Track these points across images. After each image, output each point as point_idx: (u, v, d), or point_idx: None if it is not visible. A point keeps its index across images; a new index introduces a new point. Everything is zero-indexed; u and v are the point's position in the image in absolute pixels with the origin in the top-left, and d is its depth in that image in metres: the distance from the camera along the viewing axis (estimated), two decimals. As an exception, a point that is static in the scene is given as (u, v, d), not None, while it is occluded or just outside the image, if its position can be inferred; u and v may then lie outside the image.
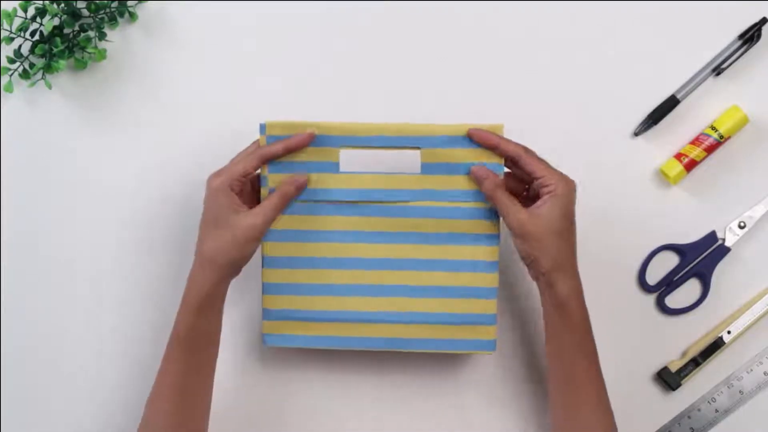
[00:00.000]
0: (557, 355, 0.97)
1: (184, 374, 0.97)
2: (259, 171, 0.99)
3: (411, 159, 0.99)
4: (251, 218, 0.96)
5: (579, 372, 0.96)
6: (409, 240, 0.98)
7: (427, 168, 0.97)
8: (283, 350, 1.06)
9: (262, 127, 0.98)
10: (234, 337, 1.07)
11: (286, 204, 0.98)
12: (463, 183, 0.98)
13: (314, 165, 0.98)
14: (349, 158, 0.99)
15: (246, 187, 0.99)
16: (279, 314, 1.00)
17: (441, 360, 1.06)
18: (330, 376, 1.07)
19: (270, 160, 0.97)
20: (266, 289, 1.00)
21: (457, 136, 0.97)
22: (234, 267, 0.97)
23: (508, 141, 0.97)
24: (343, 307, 0.99)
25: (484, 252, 0.98)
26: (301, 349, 1.05)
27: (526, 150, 0.97)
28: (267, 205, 0.97)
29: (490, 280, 0.99)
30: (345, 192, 0.98)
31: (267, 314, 1.00)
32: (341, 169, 0.98)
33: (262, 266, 0.99)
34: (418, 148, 0.97)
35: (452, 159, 0.97)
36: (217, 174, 0.96)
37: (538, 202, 0.95)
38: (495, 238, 0.98)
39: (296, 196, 0.98)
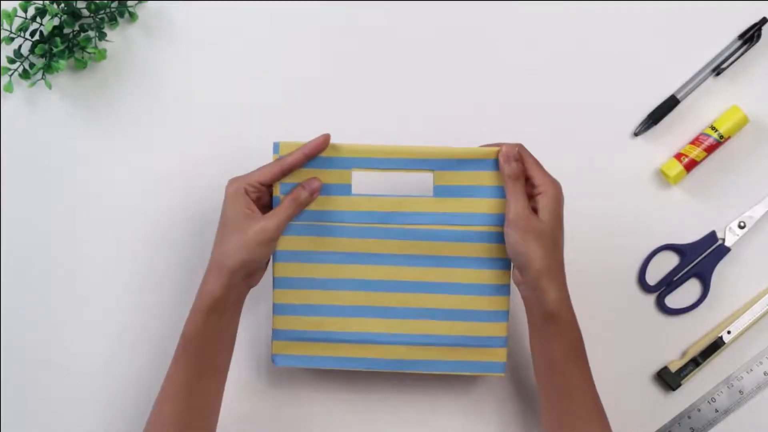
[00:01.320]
0: (548, 365, 0.96)
1: (190, 378, 0.96)
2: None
3: (424, 181, 0.98)
4: (263, 221, 0.95)
5: (573, 381, 0.95)
6: (420, 262, 0.98)
7: (439, 191, 0.97)
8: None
9: (276, 147, 0.97)
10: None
11: (299, 209, 0.97)
12: (475, 206, 0.97)
13: (326, 187, 0.97)
14: (361, 179, 0.98)
15: (264, 197, 0.98)
16: (289, 335, 0.99)
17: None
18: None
19: (291, 171, 0.96)
20: (277, 309, 0.99)
21: (470, 159, 0.96)
22: (244, 271, 0.95)
23: (507, 144, 0.97)
24: (354, 329, 0.98)
25: (496, 275, 0.98)
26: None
27: (523, 147, 0.97)
28: (280, 209, 0.96)
29: (501, 303, 0.98)
30: (357, 214, 0.97)
31: (277, 334, 0.99)
32: (353, 190, 0.97)
33: (273, 287, 0.99)
34: (432, 170, 0.97)
35: (465, 181, 0.97)
36: (234, 179, 0.96)
37: (530, 203, 0.95)
38: (507, 261, 0.97)
39: (310, 201, 0.97)
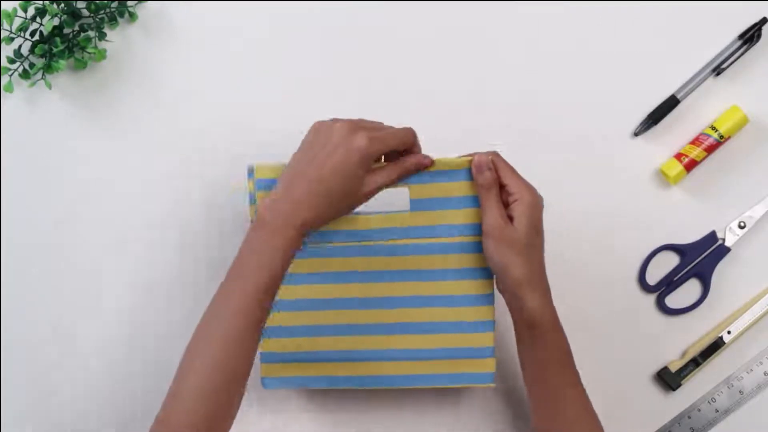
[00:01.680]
0: (535, 372, 0.96)
1: (254, 328, 0.88)
2: None
3: (401, 196, 0.97)
4: (366, 188, 0.92)
5: (560, 387, 0.95)
6: (402, 277, 0.97)
7: (416, 204, 0.97)
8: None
9: (251, 171, 0.96)
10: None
11: (400, 179, 0.95)
12: (452, 217, 0.96)
13: None
14: None
15: None
16: (277, 357, 0.98)
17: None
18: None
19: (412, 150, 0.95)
20: (263, 332, 0.97)
21: (444, 170, 0.96)
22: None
23: (480, 153, 0.96)
24: (342, 347, 0.98)
25: (479, 285, 0.97)
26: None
27: (497, 155, 0.96)
28: (382, 179, 0.93)
29: (486, 313, 0.98)
30: (337, 234, 0.96)
31: (265, 357, 0.98)
32: None
33: None
34: (407, 185, 0.96)
35: (441, 193, 0.96)
36: (371, 139, 0.90)
37: (507, 211, 0.94)
38: (489, 270, 0.96)
39: (413, 173, 0.95)
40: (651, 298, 1.09)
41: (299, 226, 0.89)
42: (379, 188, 0.93)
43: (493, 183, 0.95)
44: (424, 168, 0.95)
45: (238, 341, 0.88)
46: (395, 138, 0.93)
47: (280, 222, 0.89)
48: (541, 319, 0.93)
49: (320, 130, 0.92)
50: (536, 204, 0.94)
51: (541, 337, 0.94)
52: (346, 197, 0.91)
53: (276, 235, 0.89)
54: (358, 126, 0.91)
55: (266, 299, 0.89)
